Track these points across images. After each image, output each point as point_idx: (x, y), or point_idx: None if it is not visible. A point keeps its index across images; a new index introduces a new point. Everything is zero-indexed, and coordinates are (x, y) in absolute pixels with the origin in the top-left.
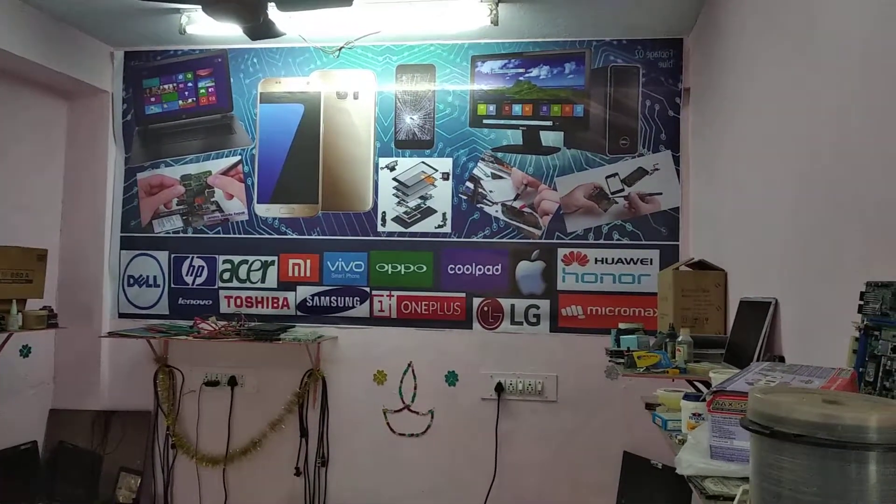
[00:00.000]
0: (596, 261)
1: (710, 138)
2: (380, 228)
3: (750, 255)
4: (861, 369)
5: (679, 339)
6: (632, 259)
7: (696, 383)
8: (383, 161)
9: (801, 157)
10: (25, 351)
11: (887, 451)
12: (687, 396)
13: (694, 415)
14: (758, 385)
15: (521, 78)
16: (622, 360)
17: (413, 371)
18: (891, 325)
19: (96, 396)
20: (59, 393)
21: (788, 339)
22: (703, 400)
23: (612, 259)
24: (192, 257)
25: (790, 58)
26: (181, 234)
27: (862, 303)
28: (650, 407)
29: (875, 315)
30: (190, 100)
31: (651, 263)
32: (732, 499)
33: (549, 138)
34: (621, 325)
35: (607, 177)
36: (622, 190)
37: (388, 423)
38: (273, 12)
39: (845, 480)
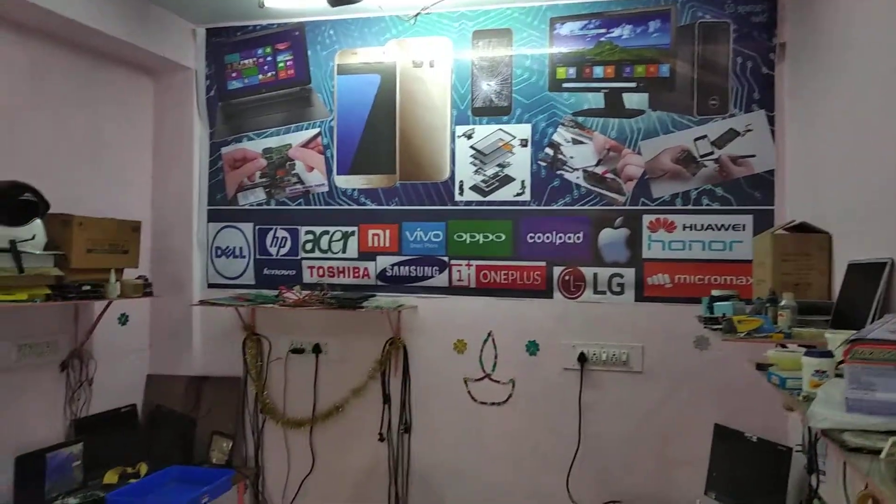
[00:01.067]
0: (684, 227)
1: (810, 95)
2: (457, 198)
3: (858, 215)
4: None
5: (782, 303)
6: (723, 225)
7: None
8: (460, 129)
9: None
10: (123, 319)
11: None
12: (809, 353)
13: (817, 371)
14: None
15: (602, 38)
16: (719, 327)
17: (493, 340)
18: None
19: (189, 363)
20: (154, 359)
21: None
22: (831, 356)
23: (702, 225)
24: (276, 229)
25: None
26: (264, 207)
27: None
28: (761, 368)
29: None
30: (269, 74)
31: (744, 229)
32: (877, 452)
33: (633, 100)
34: (714, 293)
35: (696, 139)
36: (712, 153)
37: (469, 392)
38: None
39: None
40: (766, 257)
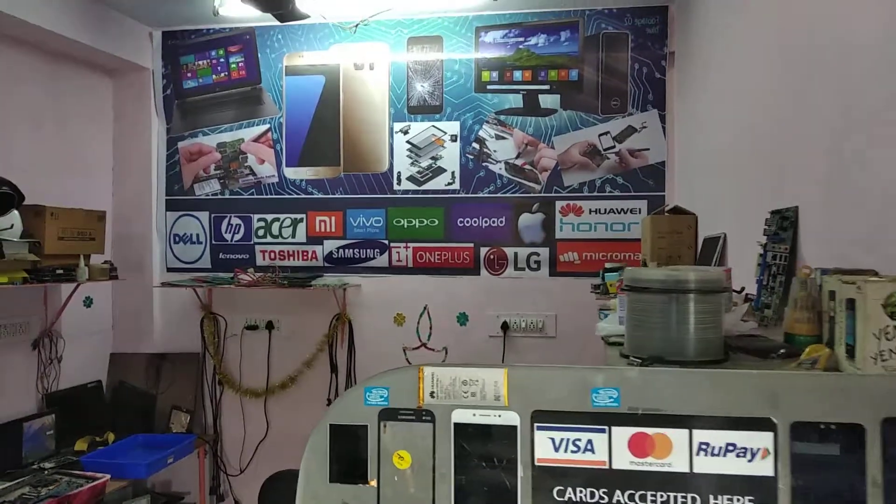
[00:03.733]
0: (590, 211)
1: (690, 97)
2: (395, 187)
3: (711, 198)
4: (760, 276)
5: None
6: (622, 209)
7: None
8: (397, 125)
9: (740, 112)
10: (88, 301)
11: (699, 294)
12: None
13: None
14: None
15: (520, 46)
16: (599, 291)
17: (428, 313)
18: (778, 241)
19: (150, 341)
20: (118, 338)
21: (729, 264)
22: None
23: (605, 210)
24: (230, 216)
25: (742, 30)
26: (219, 196)
27: (766, 227)
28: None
29: (769, 234)
30: (222, 74)
31: (640, 213)
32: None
33: (547, 101)
34: (607, 266)
35: (600, 135)
36: (613, 147)
37: (407, 360)
38: None
39: (677, 311)
40: (647, 235)
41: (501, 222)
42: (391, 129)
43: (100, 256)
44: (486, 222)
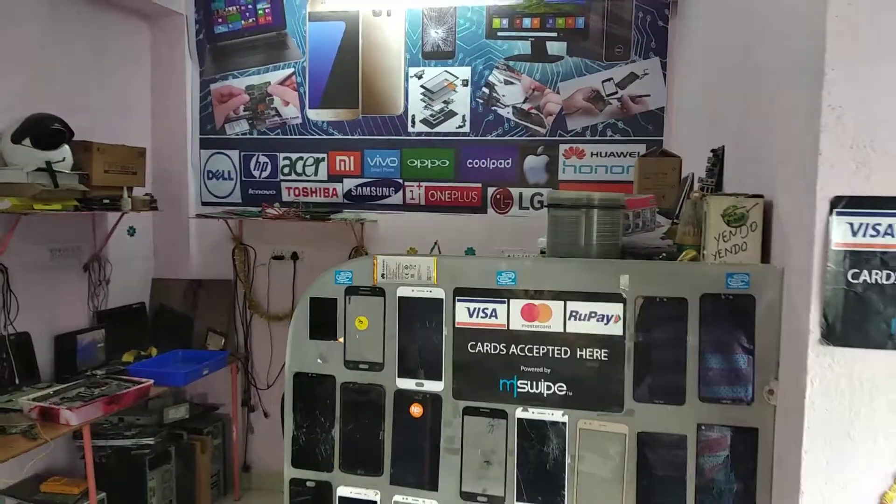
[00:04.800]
0: (592, 154)
1: (687, 46)
2: (410, 129)
3: (690, 142)
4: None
5: None
6: (622, 153)
7: None
8: (412, 70)
9: (709, 62)
10: (131, 231)
11: (601, 210)
12: None
13: None
14: None
15: None
16: None
17: (438, 247)
18: (711, 176)
19: (187, 268)
20: (158, 265)
21: None
22: None
23: (606, 153)
24: (258, 155)
25: None
26: (248, 136)
27: (707, 164)
28: None
29: (707, 170)
30: (250, 20)
31: (638, 156)
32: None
33: (554, 48)
34: None
35: (603, 81)
36: (616, 93)
37: None
38: None
39: (584, 224)
40: (637, 176)
41: (508, 164)
42: (406, 74)
43: (141, 189)
44: (493, 164)
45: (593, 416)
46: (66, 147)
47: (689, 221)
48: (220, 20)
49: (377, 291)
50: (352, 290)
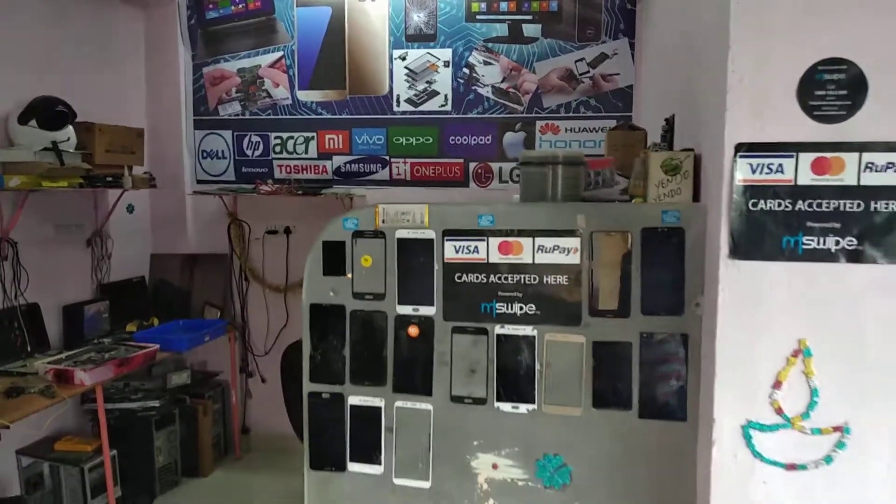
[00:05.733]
0: (566, 130)
1: (652, 26)
2: (395, 108)
3: (656, 115)
4: None
5: None
6: (594, 128)
7: None
8: (396, 52)
9: (667, 41)
10: (130, 208)
11: (565, 165)
12: None
13: None
14: None
15: None
16: None
17: None
18: (664, 141)
19: (185, 243)
20: (156, 240)
21: None
22: None
23: (579, 129)
24: (251, 135)
25: None
26: (240, 117)
27: (661, 131)
28: None
29: (661, 135)
30: (240, 5)
31: (608, 130)
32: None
33: (530, 30)
34: None
35: (576, 61)
36: (588, 72)
37: None
38: None
39: (551, 178)
40: (607, 149)
41: (488, 140)
42: (391, 56)
43: (140, 168)
44: (474, 140)
45: (557, 330)
46: (70, 128)
47: (639, 176)
48: (211, 6)
49: (379, 234)
50: (358, 234)
